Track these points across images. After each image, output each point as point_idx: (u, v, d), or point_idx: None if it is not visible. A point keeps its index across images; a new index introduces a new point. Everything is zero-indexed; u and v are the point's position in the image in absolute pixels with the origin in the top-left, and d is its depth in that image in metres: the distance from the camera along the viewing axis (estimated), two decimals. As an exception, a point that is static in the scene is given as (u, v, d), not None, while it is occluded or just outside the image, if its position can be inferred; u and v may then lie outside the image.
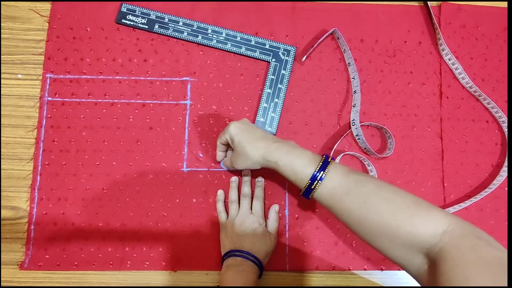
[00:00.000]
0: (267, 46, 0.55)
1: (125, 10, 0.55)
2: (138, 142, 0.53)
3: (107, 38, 0.55)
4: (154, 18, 0.55)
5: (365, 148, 0.54)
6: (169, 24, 0.55)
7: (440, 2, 0.57)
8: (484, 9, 0.58)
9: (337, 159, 0.53)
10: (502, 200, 0.54)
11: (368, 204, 0.36)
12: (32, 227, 0.51)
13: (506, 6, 0.58)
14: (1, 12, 0.55)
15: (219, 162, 0.53)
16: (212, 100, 0.55)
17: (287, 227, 0.52)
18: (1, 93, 0.54)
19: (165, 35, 0.55)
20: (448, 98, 0.56)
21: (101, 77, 0.54)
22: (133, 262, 0.51)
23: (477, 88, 0.55)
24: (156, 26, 0.55)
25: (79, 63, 0.54)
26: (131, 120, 0.54)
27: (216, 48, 0.55)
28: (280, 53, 0.55)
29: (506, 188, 0.54)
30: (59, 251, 0.50)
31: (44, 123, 0.53)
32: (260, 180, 0.52)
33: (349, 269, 0.52)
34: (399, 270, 0.52)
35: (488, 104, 0.55)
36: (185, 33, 0.55)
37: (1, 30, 0.54)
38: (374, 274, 0.52)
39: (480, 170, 0.55)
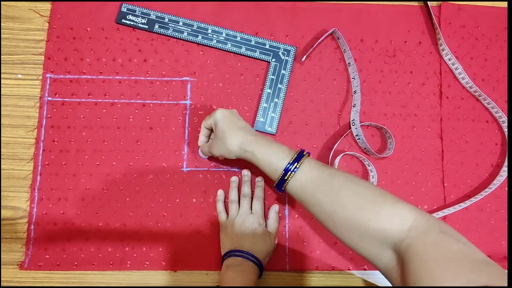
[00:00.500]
0: (267, 46, 0.55)
1: (125, 10, 0.55)
2: (138, 142, 0.53)
3: (107, 38, 0.55)
4: (154, 18, 0.55)
5: (365, 148, 0.54)
6: (169, 24, 0.55)
7: (440, 2, 0.57)
8: (484, 9, 0.58)
9: (337, 159, 0.53)
10: (502, 200, 0.54)
11: (338, 198, 0.36)
12: (32, 227, 0.51)
13: (506, 6, 0.58)
14: (1, 12, 0.55)
15: (219, 162, 0.53)
16: (212, 100, 0.55)
17: (287, 227, 0.52)
18: (1, 93, 0.54)
19: (165, 35, 0.55)
20: (448, 98, 0.56)
21: (101, 77, 0.54)
22: (133, 262, 0.51)
23: (477, 88, 0.55)
24: (156, 26, 0.55)
25: (79, 63, 0.54)
26: (131, 120, 0.54)
27: (216, 48, 0.55)
28: (280, 53, 0.55)
29: (506, 188, 0.54)
30: (59, 251, 0.50)
31: (44, 123, 0.53)
32: (260, 180, 0.52)
33: (349, 269, 0.52)
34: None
35: (488, 104, 0.55)
36: (185, 33, 0.55)
37: (1, 30, 0.54)
38: (373, 274, 0.52)
39: (480, 170, 0.55)
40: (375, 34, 0.57)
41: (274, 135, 0.54)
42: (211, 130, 0.48)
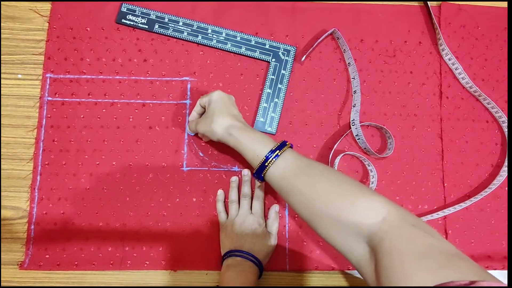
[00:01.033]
0: (267, 46, 0.55)
1: (125, 10, 0.55)
2: (138, 142, 0.53)
3: (107, 38, 0.55)
4: (154, 18, 0.55)
5: (365, 148, 0.54)
6: (169, 24, 0.55)
7: (440, 2, 0.57)
8: (484, 9, 0.58)
9: (337, 159, 0.53)
10: (502, 200, 0.54)
11: (315, 186, 0.37)
12: (32, 227, 0.51)
13: (506, 6, 0.58)
14: (1, 12, 0.55)
15: (219, 161, 0.53)
16: (212, 100, 0.55)
17: (287, 227, 0.52)
18: (1, 93, 0.54)
19: (165, 35, 0.55)
20: (448, 98, 0.56)
21: (101, 77, 0.54)
22: (133, 262, 0.51)
23: (477, 88, 0.55)
24: (156, 26, 0.55)
25: (79, 63, 0.54)
26: (131, 120, 0.54)
27: (216, 48, 0.55)
28: (280, 53, 0.55)
29: (506, 188, 0.54)
30: (59, 251, 0.50)
31: (44, 123, 0.53)
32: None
33: (349, 269, 0.52)
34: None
35: (488, 104, 0.55)
36: (185, 33, 0.55)
37: (1, 30, 0.54)
38: (374, 274, 0.52)
39: (480, 170, 0.55)
40: (375, 34, 0.57)
41: (274, 135, 0.54)
42: (204, 109, 0.49)
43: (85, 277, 0.51)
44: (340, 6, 0.57)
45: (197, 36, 0.55)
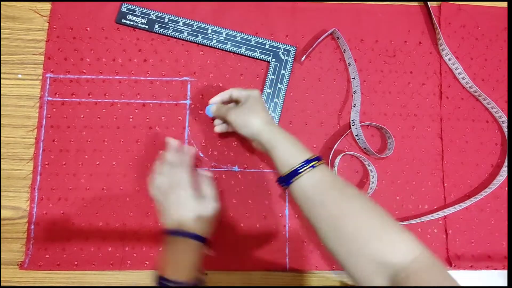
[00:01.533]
0: (267, 46, 0.55)
1: (125, 10, 0.55)
2: (138, 142, 0.53)
3: (107, 38, 0.55)
4: (154, 18, 0.55)
5: (365, 148, 0.54)
6: (169, 24, 0.55)
7: (440, 2, 0.57)
8: (484, 9, 0.58)
9: (337, 159, 0.53)
10: (502, 200, 0.54)
11: (350, 204, 0.35)
12: (32, 227, 0.51)
13: (506, 6, 0.58)
14: (1, 12, 0.55)
15: (219, 161, 0.53)
16: (212, 100, 0.55)
17: (287, 227, 0.52)
18: (1, 93, 0.54)
19: (165, 35, 0.55)
20: (448, 98, 0.56)
21: (101, 77, 0.54)
22: (133, 262, 0.51)
23: (477, 88, 0.55)
24: (156, 26, 0.55)
25: (79, 63, 0.54)
26: (131, 120, 0.54)
27: (216, 48, 0.55)
28: (280, 53, 0.55)
29: (506, 188, 0.54)
30: (59, 251, 0.50)
31: (44, 123, 0.53)
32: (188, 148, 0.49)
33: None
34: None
35: (488, 104, 0.55)
36: (185, 33, 0.55)
37: (1, 30, 0.54)
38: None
39: (480, 170, 0.55)
40: (375, 34, 0.57)
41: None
42: (229, 102, 0.47)
43: (85, 277, 0.51)
44: (340, 6, 0.57)
45: (197, 36, 0.55)
